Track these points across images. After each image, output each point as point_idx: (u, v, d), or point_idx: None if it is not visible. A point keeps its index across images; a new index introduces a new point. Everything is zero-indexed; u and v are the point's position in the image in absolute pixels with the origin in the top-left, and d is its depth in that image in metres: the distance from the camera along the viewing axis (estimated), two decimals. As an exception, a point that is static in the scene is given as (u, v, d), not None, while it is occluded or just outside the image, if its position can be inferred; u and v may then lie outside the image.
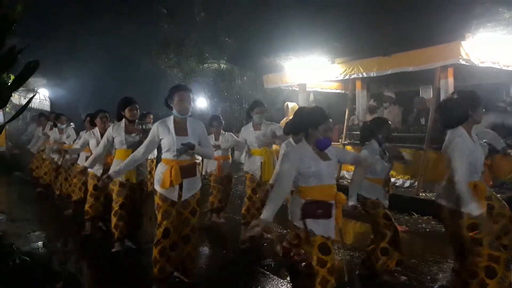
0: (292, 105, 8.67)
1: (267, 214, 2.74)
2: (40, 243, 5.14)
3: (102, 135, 5.23)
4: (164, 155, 3.57)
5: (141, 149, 3.64)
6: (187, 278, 3.70)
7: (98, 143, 5.13)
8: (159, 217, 3.50)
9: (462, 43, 6.08)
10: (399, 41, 7.09)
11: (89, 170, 5.16)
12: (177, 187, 3.48)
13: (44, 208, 7.42)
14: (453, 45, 6.17)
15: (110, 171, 3.84)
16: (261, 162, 5.12)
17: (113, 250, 4.60)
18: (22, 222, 6.21)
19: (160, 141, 3.57)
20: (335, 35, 8.05)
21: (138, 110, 4.73)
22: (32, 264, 3.88)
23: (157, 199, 3.52)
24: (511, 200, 4.36)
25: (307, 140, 2.96)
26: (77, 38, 16.69)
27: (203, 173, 6.29)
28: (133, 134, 4.61)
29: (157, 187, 3.52)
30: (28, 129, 10.85)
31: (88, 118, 6.06)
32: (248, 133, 5.27)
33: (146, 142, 3.62)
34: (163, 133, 3.54)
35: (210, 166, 6.12)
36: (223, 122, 6.17)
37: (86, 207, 5.34)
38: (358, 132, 7.92)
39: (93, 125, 5.62)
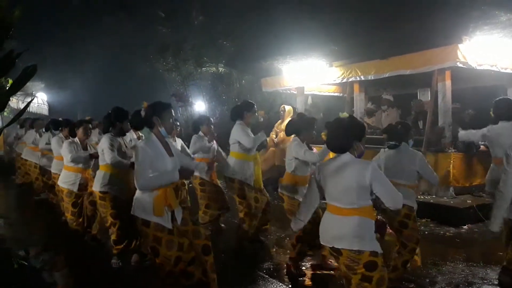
0: (288, 108, 8.68)
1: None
2: (37, 248, 5.11)
3: (83, 148, 5.11)
4: None
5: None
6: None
7: (76, 155, 4.97)
8: (163, 251, 3.00)
9: (459, 46, 6.11)
10: (396, 44, 7.09)
11: (64, 186, 5.09)
12: (169, 212, 3.07)
13: (42, 212, 7.39)
14: (450, 48, 6.20)
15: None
16: (253, 168, 4.88)
17: (115, 265, 4.44)
18: (20, 226, 6.19)
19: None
20: (333, 39, 8.05)
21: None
22: (29, 269, 3.87)
23: (152, 232, 3.01)
24: None
25: (351, 153, 2.73)
26: (75, 42, 16.70)
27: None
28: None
29: (149, 217, 3.01)
30: (18, 133, 10.70)
31: (65, 127, 5.91)
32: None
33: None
34: (157, 156, 3.10)
35: (200, 171, 5.50)
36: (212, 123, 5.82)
37: (73, 226, 5.20)
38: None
39: (72, 135, 5.33)
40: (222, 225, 5.92)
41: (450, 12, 6.26)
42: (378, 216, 2.74)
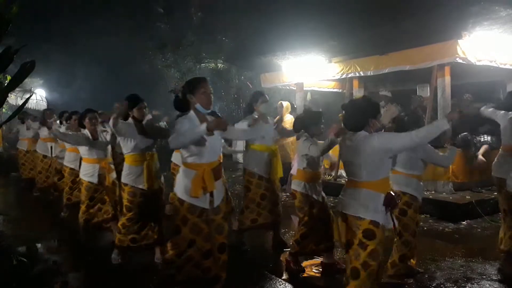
0: (286, 104, 8.67)
1: None
2: (37, 244, 5.12)
3: (94, 138, 4.98)
4: (189, 160, 3.10)
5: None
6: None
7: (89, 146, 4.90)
8: (185, 231, 3.04)
9: (459, 42, 6.11)
10: (396, 40, 7.08)
11: (84, 179, 4.96)
12: (208, 193, 3.07)
13: (41, 208, 7.40)
14: (450, 43, 6.19)
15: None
16: (270, 160, 4.68)
17: (114, 261, 4.40)
18: (20, 223, 6.20)
19: None
20: (332, 34, 8.03)
21: (147, 109, 4.40)
22: (29, 265, 3.87)
23: (182, 210, 3.06)
24: None
25: (367, 130, 2.85)
26: (73, 38, 16.65)
27: None
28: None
29: (184, 196, 3.06)
30: (16, 129, 10.70)
31: (74, 117, 5.91)
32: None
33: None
34: None
35: None
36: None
37: (84, 216, 5.00)
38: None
39: (81, 126, 5.18)
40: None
41: (449, 8, 6.23)
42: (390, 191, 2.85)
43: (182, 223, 3.06)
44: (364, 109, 2.88)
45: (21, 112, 9.15)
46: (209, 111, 3.18)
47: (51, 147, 7.55)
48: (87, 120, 5.00)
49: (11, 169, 11.20)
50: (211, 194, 3.10)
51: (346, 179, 2.98)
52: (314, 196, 4.05)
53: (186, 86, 3.16)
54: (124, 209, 4.31)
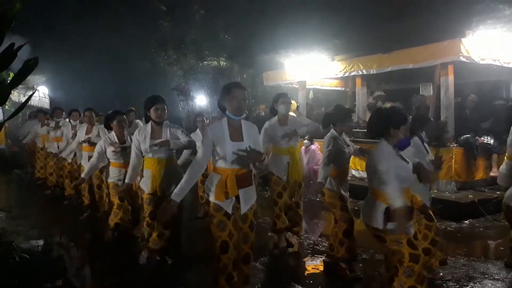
0: (292, 102, 8.64)
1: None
2: (40, 241, 5.13)
3: (120, 141, 4.83)
4: (216, 163, 3.05)
5: (199, 157, 3.02)
6: None
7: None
8: (214, 230, 3.00)
9: (462, 40, 6.08)
10: (399, 38, 7.05)
11: (110, 181, 4.90)
12: (233, 198, 3.00)
13: (44, 205, 7.42)
14: (453, 42, 6.17)
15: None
16: (288, 162, 4.57)
17: (141, 262, 4.23)
18: (22, 220, 6.21)
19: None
20: (335, 32, 8.01)
21: (166, 111, 4.16)
22: (31, 262, 3.88)
23: (210, 209, 3.06)
24: None
25: (388, 140, 2.89)
26: (76, 35, 16.66)
27: None
28: (159, 140, 4.07)
29: (211, 198, 3.05)
30: (25, 127, 10.74)
31: (87, 113, 5.95)
32: (275, 129, 4.60)
33: (203, 148, 3.03)
34: (216, 138, 3.00)
35: None
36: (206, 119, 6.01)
37: (116, 219, 4.80)
38: (358, 130, 7.91)
39: (107, 127, 4.98)
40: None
41: (453, 6, 6.22)
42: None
43: (211, 221, 3.02)
44: (389, 118, 2.91)
45: (36, 110, 9.22)
46: (239, 118, 3.03)
47: (58, 146, 7.54)
48: (115, 122, 4.82)
49: (14, 166, 11.24)
50: (238, 201, 3.01)
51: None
52: (342, 191, 3.94)
53: (221, 91, 3.10)
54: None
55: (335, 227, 3.94)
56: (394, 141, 2.87)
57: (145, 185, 4.14)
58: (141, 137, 4.11)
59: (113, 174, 4.90)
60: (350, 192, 4.09)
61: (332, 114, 4.13)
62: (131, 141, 4.49)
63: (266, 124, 4.65)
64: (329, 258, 4.01)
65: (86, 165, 5.43)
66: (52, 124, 7.97)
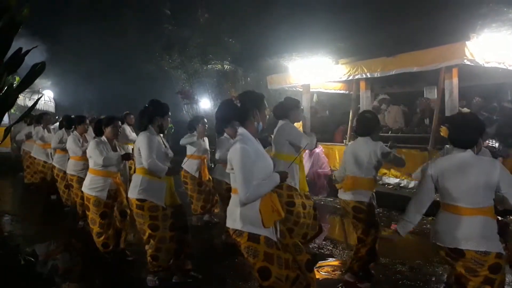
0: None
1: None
2: (45, 244, 5.14)
3: (112, 147, 4.52)
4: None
5: None
6: None
7: (107, 157, 4.35)
8: (275, 270, 2.54)
9: (467, 44, 6.08)
10: (403, 42, 7.07)
11: (90, 193, 4.38)
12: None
13: (49, 209, 7.44)
14: (457, 45, 6.16)
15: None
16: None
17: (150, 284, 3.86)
18: (27, 223, 6.24)
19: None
20: (339, 36, 8.04)
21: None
22: (37, 265, 3.90)
23: (264, 248, 2.54)
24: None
25: (473, 150, 2.64)
26: (81, 40, 16.76)
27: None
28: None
29: (258, 230, 2.56)
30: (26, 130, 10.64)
31: (78, 124, 5.62)
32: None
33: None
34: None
35: (190, 167, 5.82)
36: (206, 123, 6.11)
37: (101, 239, 4.42)
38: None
39: (99, 133, 4.56)
40: (215, 219, 6.12)
41: (457, 9, 6.23)
42: (499, 217, 2.67)
43: (269, 262, 2.54)
44: (476, 124, 2.64)
45: (39, 114, 9.18)
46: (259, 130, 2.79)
47: (50, 154, 7.46)
48: (110, 128, 4.50)
49: (20, 170, 11.27)
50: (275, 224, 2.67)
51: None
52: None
53: (252, 99, 2.84)
54: (149, 230, 3.89)
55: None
56: (475, 151, 2.64)
57: (157, 198, 3.77)
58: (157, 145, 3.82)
59: (96, 184, 4.38)
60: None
61: (370, 119, 3.86)
62: (121, 150, 4.61)
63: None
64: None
65: (79, 174, 5.47)
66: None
